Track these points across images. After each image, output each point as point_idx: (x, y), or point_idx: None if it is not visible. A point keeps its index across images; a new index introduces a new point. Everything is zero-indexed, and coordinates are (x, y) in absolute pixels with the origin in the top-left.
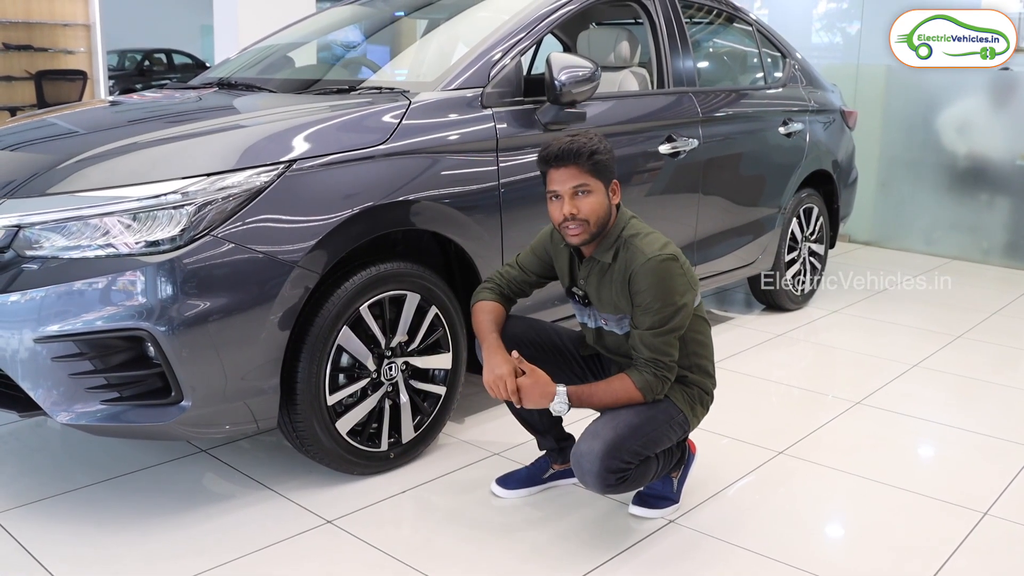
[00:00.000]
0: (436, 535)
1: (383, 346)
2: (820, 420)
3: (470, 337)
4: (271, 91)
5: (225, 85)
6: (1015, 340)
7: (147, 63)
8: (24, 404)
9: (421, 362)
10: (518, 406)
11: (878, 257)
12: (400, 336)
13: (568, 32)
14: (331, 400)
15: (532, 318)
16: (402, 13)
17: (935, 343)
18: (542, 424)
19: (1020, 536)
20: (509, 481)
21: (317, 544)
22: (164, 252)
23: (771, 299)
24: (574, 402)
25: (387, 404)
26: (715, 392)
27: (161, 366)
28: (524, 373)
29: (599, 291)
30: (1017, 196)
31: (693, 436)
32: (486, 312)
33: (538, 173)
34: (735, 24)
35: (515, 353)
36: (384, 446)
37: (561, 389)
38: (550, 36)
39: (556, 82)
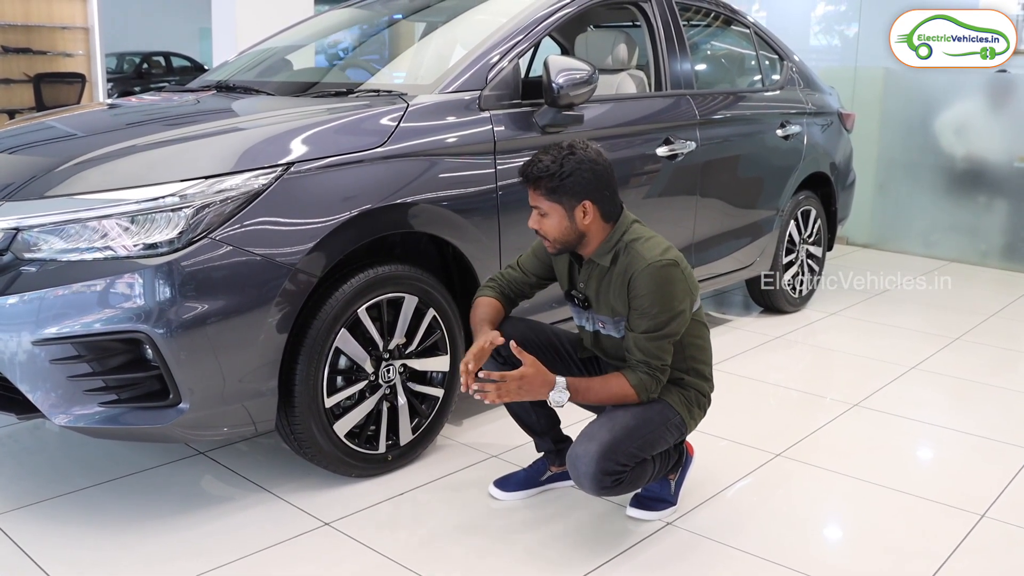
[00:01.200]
0: (434, 537)
1: (381, 348)
2: (818, 422)
3: (468, 339)
4: (269, 94)
5: (223, 88)
6: (1013, 342)
7: (145, 66)
8: (22, 406)
9: (419, 364)
10: (464, 390)
11: (876, 259)
12: (398, 338)
13: (566, 35)
14: (329, 402)
15: (531, 319)
16: (400, 16)
17: (933, 345)
18: (540, 425)
19: (1018, 538)
20: (507, 483)
21: (315, 546)
22: (162, 255)
23: (769, 301)
24: (572, 394)
25: (385, 406)
26: (712, 395)
27: (159, 368)
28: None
29: (598, 294)
30: (1015, 198)
31: (691, 438)
32: (482, 307)
33: None
34: (733, 27)
35: (513, 343)
36: (382, 448)
37: (560, 380)
38: (548, 39)
39: (554, 85)
